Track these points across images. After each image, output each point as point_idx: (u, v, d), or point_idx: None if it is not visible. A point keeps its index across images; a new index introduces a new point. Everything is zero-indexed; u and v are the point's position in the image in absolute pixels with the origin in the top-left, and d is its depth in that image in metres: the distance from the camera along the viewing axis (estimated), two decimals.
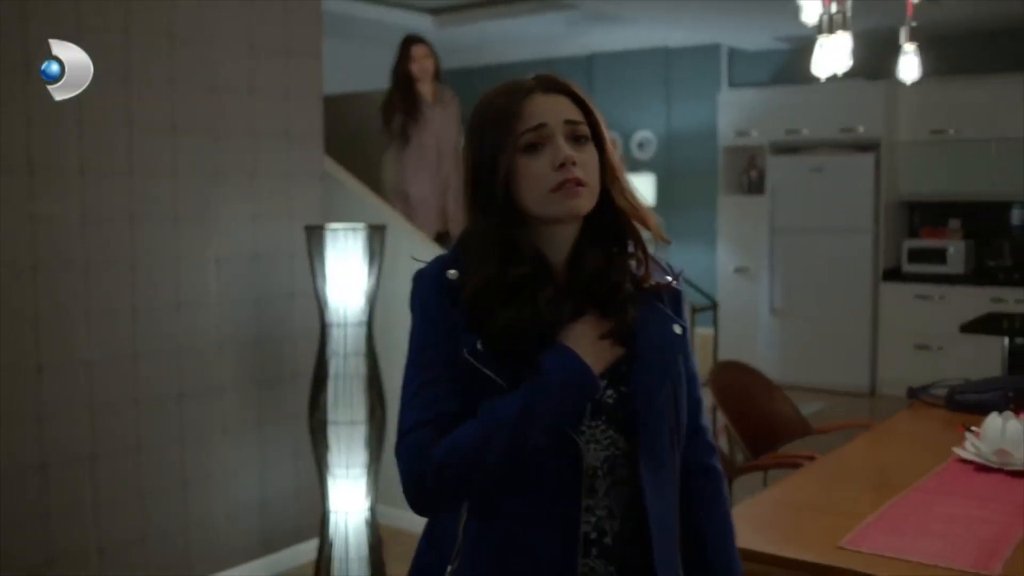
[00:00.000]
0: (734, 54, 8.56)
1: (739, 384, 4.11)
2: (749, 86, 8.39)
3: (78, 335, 3.47)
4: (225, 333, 3.96)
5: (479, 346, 1.45)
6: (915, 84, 4.72)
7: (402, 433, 1.47)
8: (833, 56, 2.97)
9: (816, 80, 7.50)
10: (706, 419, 1.70)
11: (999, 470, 2.79)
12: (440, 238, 5.20)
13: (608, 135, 1.53)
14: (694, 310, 6.06)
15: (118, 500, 3.62)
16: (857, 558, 2.19)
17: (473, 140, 1.52)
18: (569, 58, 9.10)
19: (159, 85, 3.68)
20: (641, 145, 8.93)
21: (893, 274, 7.66)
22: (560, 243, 1.52)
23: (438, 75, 5.47)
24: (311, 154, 4.28)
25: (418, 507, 1.47)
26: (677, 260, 6.50)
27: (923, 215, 7.87)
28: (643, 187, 8.73)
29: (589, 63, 9.11)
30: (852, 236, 7.67)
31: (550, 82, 1.52)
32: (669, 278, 1.60)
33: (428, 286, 1.52)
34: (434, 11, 8.27)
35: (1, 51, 3.18)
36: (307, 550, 4.20)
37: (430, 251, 4.72)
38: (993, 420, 2.87)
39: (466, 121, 4.88)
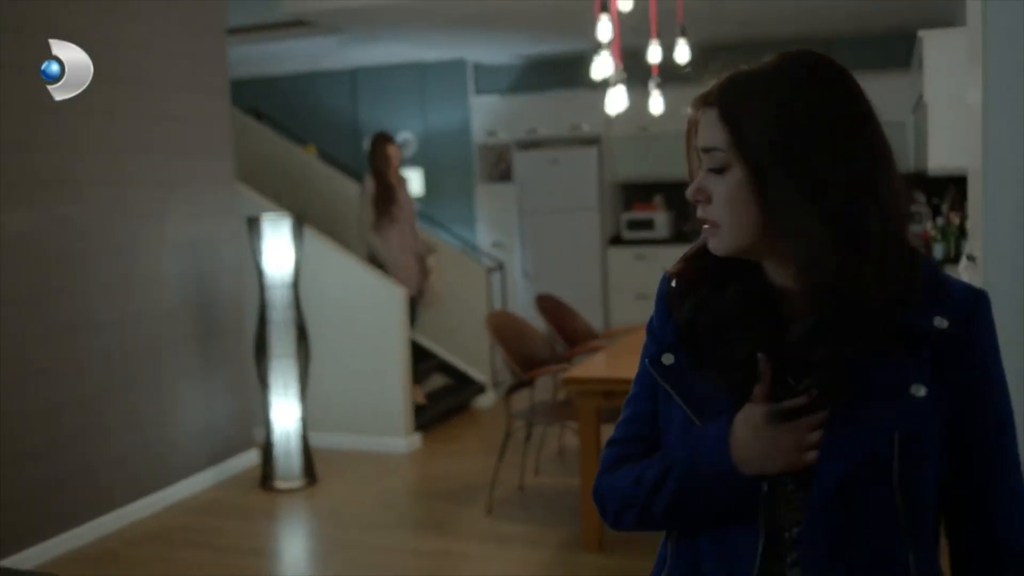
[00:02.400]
0: (478, 68, 10.27)
1: (509, 324, 5.44)
2: (493, 93, 10.16)
3: (89, 305, 4.68)
4: (177, 301, 5.24)
5: (663, 359, 1.32)
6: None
7: (607, 441, 1.42)
8: (617, 100, 4.70)
9: (547, 89, 9.36)
10: (1012, 483, 1.27)
11: None
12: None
13: (770, 150, 1.19)
14: (488, 269, 7.59)
15: (113, 428, 4.84)
16: None
17: None
18: (336, 71, 10.49)
19: (120, 117, 4.90)
20: (403, 144, 10.50)
21: (616, 240, 9.71)
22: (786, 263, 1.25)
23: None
24: (226, 166, 5.62)
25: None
26: (447, 240, 9.05)
27: (635, 194, 9.93)
28: (412, 180, 10.31)
29: (353, 76, 10.56)
30: (583, 213, 9.63)
31: (712, 93, 1.26)
32: (940, 320, 1.19)
33: (660, 289, 1.39)
34: None
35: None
36: (245, 459, 5.60)
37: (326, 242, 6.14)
38: None
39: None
